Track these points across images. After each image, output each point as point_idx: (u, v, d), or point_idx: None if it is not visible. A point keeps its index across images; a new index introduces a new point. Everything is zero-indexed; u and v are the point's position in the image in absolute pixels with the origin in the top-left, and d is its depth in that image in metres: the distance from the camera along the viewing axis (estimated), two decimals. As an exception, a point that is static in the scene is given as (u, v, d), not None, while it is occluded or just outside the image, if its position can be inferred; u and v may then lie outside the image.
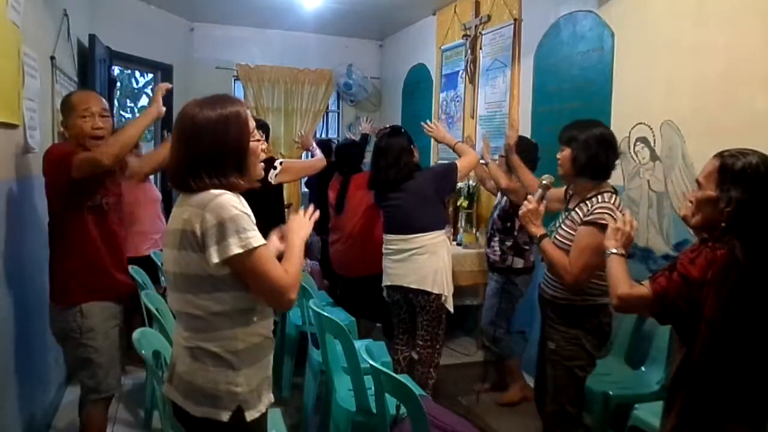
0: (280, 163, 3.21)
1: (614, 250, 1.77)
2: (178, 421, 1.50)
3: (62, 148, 2.26)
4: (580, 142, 2.18)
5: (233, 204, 1.39)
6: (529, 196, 2.30)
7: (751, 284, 1.42)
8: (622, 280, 1.67)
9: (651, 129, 2.85)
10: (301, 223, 1.65)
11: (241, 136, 1.48)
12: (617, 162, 2.25)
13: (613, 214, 2.09)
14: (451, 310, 2.98)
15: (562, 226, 2.27)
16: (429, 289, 2.89)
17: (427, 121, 3.26)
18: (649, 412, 2.29)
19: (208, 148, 1.44)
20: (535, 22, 3.79)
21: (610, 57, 3.12)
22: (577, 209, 2.22)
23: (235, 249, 1.36)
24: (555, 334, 2.29)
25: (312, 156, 3.74)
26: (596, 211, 2.12)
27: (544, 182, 2.30)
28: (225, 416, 1.44)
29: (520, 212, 2.26)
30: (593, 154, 2.16)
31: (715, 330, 1.44)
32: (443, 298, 2.92)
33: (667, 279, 1.53)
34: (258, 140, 1.54)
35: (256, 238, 1.40)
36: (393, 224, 3.00)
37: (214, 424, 1.44)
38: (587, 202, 2.20)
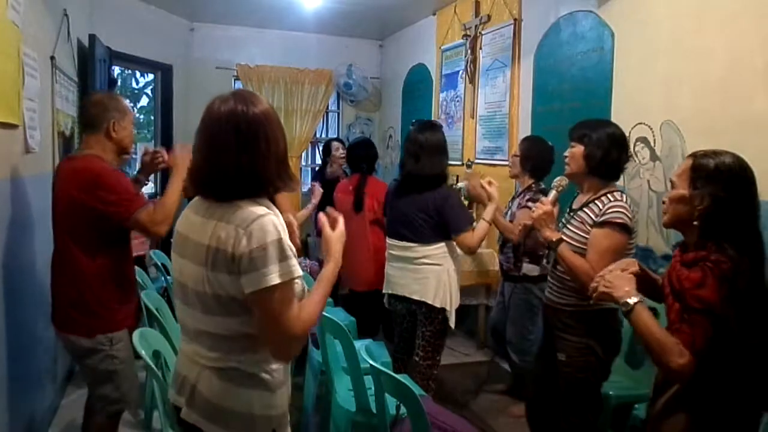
0: None
1: (636, 299, 1.52)
2: None
3: (116, 179, 2.11)
4: (594, 140, 2.14)
5: (277, 227, 1.28)
6: (542, 198, 2.25)
7: (758, 286, 1.42)
8: (670, 344, 1.43)
9: (651, 129, 2.85)
10: (340, 236, 1.49)
11: (283, 130, 1.40)
12: (627, 164, 2.23)
13: (628, 213, 2.07)
14: (452, 325, 2.77)
15: (569, 227, 2.20)
16: (430, 302, 2.70)
17: (489, 179, 2.86)
18: (649, 412, 2.29)
19: (283, 150, 1.35)
20: (535, 22, 3.79)
21: (610, 57, 3.12)
22: (586, 209, 2.16)
23: (276, 279, 1.24)
24: (565, 345, 2.19)
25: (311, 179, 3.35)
26: (609, 210, 2.07)
27: (558, 184, 2.26)
28: None
29: (533, 215, 2.20)
30: (606, 152, 2.12)
31: (745, 342, 1.43)
32: (446, 312, 2.73)
33: (689, 325, 1.43)
34: None
35: (296, 268, 1.29)
36: (395, 228, 2.84)
37: None
38: (597, 202, 2.14)
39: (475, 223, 2.76)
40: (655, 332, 1.45)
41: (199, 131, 1.35)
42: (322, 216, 1.53)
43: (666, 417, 1.53)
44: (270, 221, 1.27)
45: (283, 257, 1.26)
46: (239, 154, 1.28)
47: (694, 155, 1.55)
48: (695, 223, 1.50)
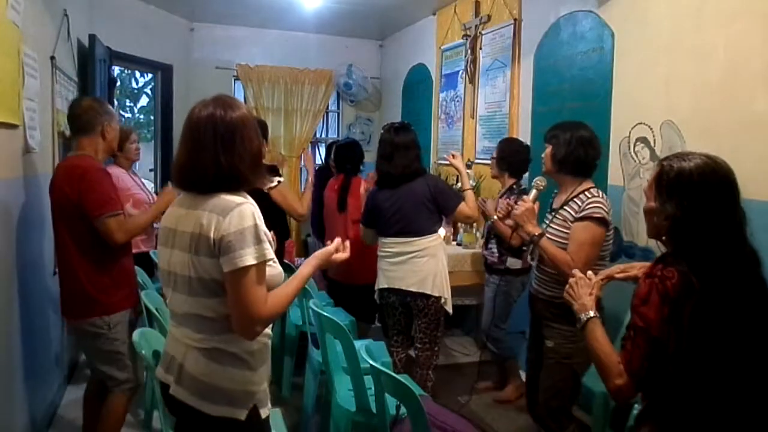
0: (279, 182, 3.10)
1: (591, 314, 1.51)
2: (186, 421, 1.50)
3: (100, 179, 2.25)
4: (561, 140, 2.32)
5: (254, 214, 1.41)
6: (524, 197, 2.43)
7: (709, 308, 1.29)
8: (611, 364, 1.39)
9: (651, 129, 2.85)
10: (325, 256, 1.65)
11: (258, 132, 1.54)
12: (597, 161, 2.37)
13: (605, 207, 2.22)
14: (450, 311, 2.94)
15: (552, 225, 2.35)
16: (429, 292, 2.84)
17: (452, 152, 3.17)
18: (649, 412, 2.29)
19: (257, 149, 1.49)
20: (535, 22, 3.79)
21: (610, 57, 3.11)
22: (566, 208, 2.30)
23: (251, 260, 1.36)
24: (553, 333, 2.33)
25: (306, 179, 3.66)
26: (589, 206, 2.23)
27: (537, 183, 2.41)
28: (243, 415, 1.47)
29: (516, 212, 2.35)
30: (571, 150, 2.29)
31: (683, 367, 1.30)
32: (443, 300, 2.89)
33: (631, 343, 1.36)
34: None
35: (269, 251, 1.43)
36: (390, 227, 2.92)
37: (231, 423, 1.46)
38: (575, 200, 2.29)
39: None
40: (600, 350, 1.44)
41: (182, 133, 1.48)
42: (338, 240, 1.69)
43: (636, 429, 1.50)
44: (248, 209, 1.41)
45: (258, 241, 1.39)
46: (217, 154, 1.41)
47: (661, 163, 1.44)
48: (663, 238, 1.42)
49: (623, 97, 3.04)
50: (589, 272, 1.65)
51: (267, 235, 1.44)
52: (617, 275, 1.80)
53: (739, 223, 1.36)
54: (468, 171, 4.41)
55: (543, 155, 2.40)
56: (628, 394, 1.39)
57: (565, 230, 2.28)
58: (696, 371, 1.31)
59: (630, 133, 2.96)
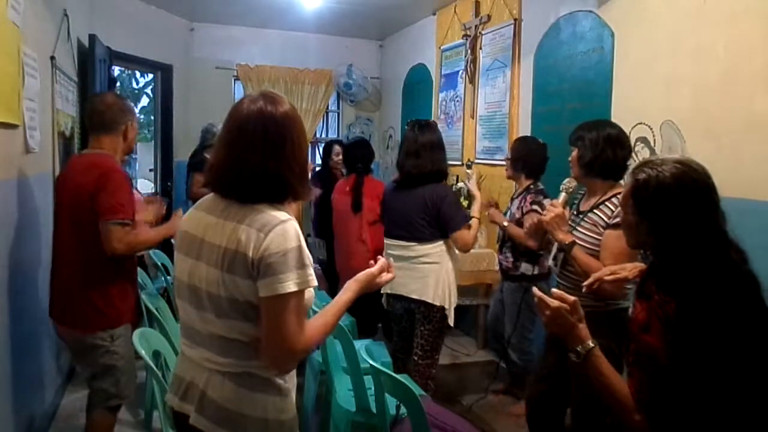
0: None
1: (590, 344, 1.34)
2: None
3: (122, 183, 2.15)
4: (587, 142, 2.16)
5: (299, 234, 1.27)
6: (553, 201, 2.26)
7: (712, 327, 1.21)
8: (626, 400, 1.30)
9: (651, 129, 2.85)
10: (368, 279, 1.48)
11: (306, 135, 1.40)
12: (629, 162, 2.20)
13: None
14: (452, 323, 2.79)
15: (579, 228, 2.20)
16: (430, 301, 2.71)
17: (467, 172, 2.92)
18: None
19: (305, 156, 1.35)
20: (535, 22, 3.80)
21: (610, 57, 3.12)
22: (596, 212, 2.16)
23: (292, 287, 1.22)
24: None
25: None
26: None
27: (567, 186, 2.26)
28: None
29: (546, 218, 2.19)
30: (599, 153, 2.13)
31: (692, 390, 1.23)
32: (445, 310, 2.75)
33: (638, 370, 1.30)
34: None
35: (313, 277, 1.28)
36: (394, 228, 2.83)
37: None
38: (608, 204, 2.14)
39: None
40: (610, 386, 1.32)
41: (226, 131, 1.33)
42: (383, 260, 1.53)
43: None
44: (292, 227, 1.27)
45: (301, 265, 1.25)
46: (266, 156, 1.27)
47: (634, 174, 1.35)
48: (648, 252, 1.38)
49: (623, 97, 3.04)
50: (555, 290, 1.42)
51: (309, 258, 1.29)
52: (607, 278, 1.76)
53: (722, 228, 1.29)
54: (468, 171, 4.43)
55: (570, 159, 2.24)
56: (647, 425, 1.29)
57: (594, 236, 2.13)
58: (706, 391, 1.24)
59: (630, 133, 2.95)
